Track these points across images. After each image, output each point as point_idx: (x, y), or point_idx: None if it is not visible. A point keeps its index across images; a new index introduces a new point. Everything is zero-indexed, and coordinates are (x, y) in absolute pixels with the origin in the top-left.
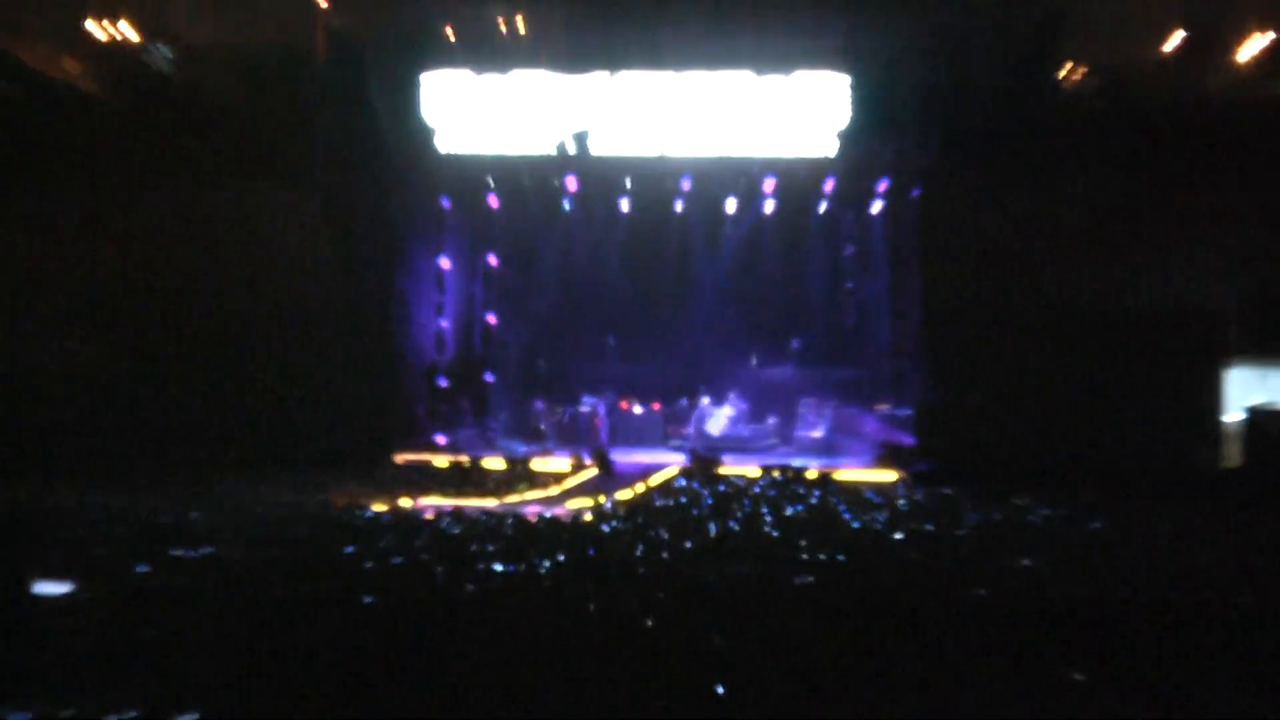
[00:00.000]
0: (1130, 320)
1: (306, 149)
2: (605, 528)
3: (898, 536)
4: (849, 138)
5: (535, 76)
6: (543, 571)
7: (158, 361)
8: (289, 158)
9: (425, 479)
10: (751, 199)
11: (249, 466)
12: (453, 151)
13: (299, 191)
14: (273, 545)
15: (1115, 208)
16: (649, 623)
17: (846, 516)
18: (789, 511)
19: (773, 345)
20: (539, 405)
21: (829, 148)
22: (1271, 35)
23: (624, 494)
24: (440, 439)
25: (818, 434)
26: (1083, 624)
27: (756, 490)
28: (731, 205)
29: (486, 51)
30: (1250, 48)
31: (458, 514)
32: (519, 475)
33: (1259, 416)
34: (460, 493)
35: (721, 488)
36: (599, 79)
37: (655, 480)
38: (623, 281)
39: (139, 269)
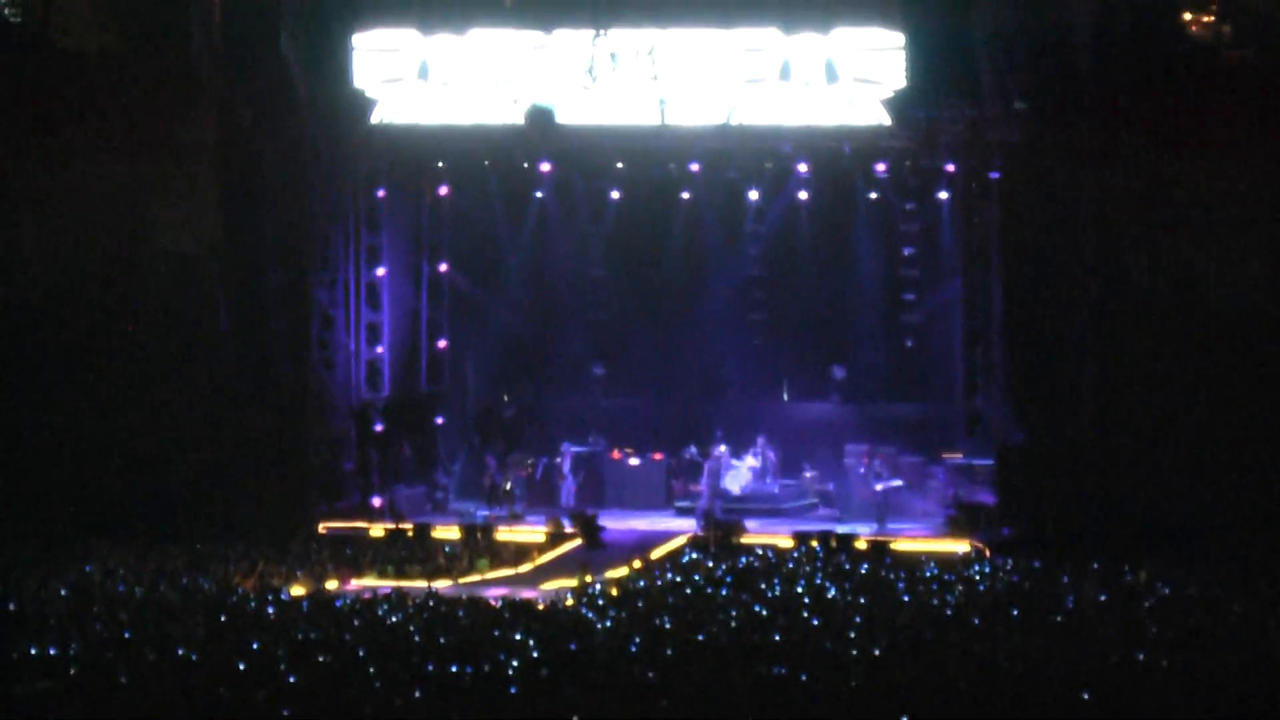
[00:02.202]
0: None
1: (197, 121)
2: (591, 615)
3: (974, 623)
4: (905, 108)
5: (500, 37)
6: (510, 673)
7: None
8: (174, 133)
9: (357, 552)
10: (780, 186)
11: (123, 534)
12: (392, 122)
13: (186, 176)
14: (155, 641)
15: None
16: None
17: (907, 599)
18: (832, 593)
19: (810, 375)
20: (504, 456)
21: (878, 120)
22: None
23: (616, 571)
24: (376, 501)
25: (870, 490)
26: None
27: (790, 565)
28: (754, 194)
29: (437, 4)
30: None
31: (399, 598)
32: (478, 548)
33: None
34: (402, 571)
35: (744, 562)
36: (582, 37)
37: (657, 553)
38: (613, 294)
39: None
